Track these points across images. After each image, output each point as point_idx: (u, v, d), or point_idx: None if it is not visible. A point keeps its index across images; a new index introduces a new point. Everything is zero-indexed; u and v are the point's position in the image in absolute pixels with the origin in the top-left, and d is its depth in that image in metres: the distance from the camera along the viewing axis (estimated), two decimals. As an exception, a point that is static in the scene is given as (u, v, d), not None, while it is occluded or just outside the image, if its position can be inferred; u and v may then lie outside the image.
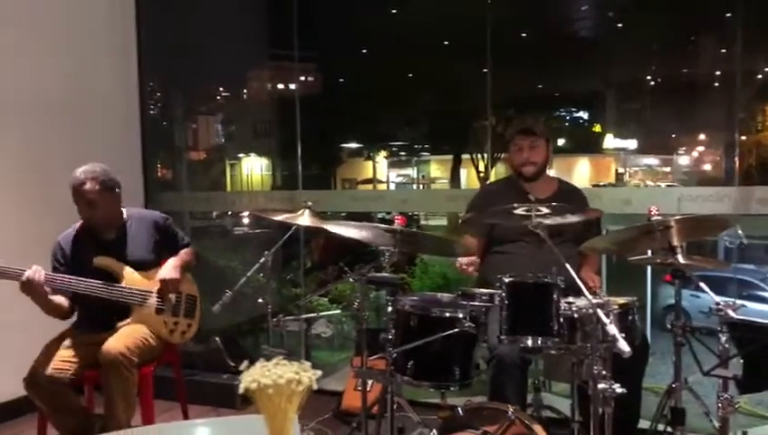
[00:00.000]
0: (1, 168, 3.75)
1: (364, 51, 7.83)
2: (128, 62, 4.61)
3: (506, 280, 2.31)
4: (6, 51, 3.77)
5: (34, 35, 3.94)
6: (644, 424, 2.79)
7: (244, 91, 7.39)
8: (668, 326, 2.72)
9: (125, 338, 2.78)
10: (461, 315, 2.37)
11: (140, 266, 2.98)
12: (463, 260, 2.86)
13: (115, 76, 4.51)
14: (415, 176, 12.48)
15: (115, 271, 2.91)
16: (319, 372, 1.41)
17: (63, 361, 2.75)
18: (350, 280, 2.70)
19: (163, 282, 2.95)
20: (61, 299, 2.81)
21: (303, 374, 1.38)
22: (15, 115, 3.82)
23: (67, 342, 2.84)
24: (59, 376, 2.70)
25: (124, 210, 3.03)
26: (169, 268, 3.00)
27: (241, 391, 1.38)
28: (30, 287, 2.64)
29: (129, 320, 2.90)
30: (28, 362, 2.74)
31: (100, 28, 4.40)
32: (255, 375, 1.36)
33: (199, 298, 3.16)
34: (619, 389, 2.05)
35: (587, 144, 10.36)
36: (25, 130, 3.87)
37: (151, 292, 2.97)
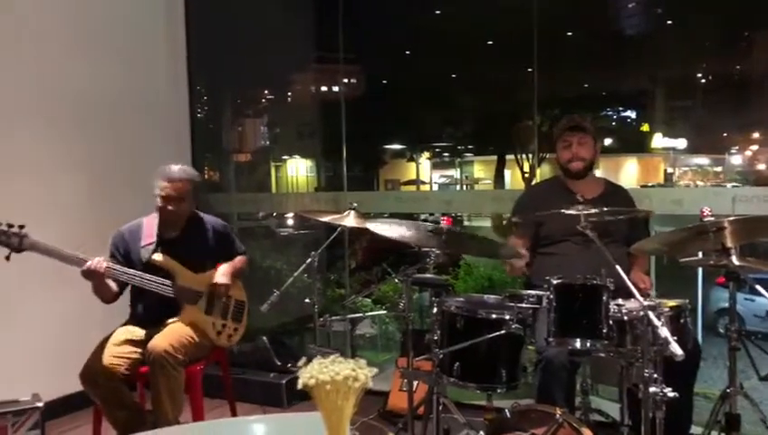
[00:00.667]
0: (64, 164, 3.89)
1: (408, 52, 7.84)
2: (178, 66, 4.71)
3: (554, 282, 2.29)
4: (65, 55, 3.91)
5: (91, 40, 4.07)
6: (696, 430, 2.73)
7: (289, 93, 7.48)
8: (721, 330, 2.65)
9: (171, 336, 2.85)
10: (508, 317, 2.36)
11: (196, 268, 3.05)
12: (516, 261, 2.84)
13: (166, 79, 4.62)
14: (458, 177, 12.43)
15: (171, 269, 2.98)
16: (375, 370, 1.43)
17: (117, 357, 2.83)
18: (396, 281, 2.71)
19: (215, 286, 3.02)
20: (112, 284, 2.89)
21: (360, 372, 1.41)
22: (78, 117, 3.96)
23: (120, 338, 2.92)
24: (112, 372, 2.78)
25: None
26: (222, 274, 3.07)
27: (300, 386, 1.41)
28: (91, 275, 2.74)
29: (177, 318, 2.97)
30: (84, 357, 2.82)
31: (151, 32, 4.52)
32: (313, 372, 1.39)
33: (247, 304, 3.22)
34: (670, 393, 2.01)
35: (635, 144, 10.16)
36: (86, 131, 4.01)
37: (202, 293, 3.03)
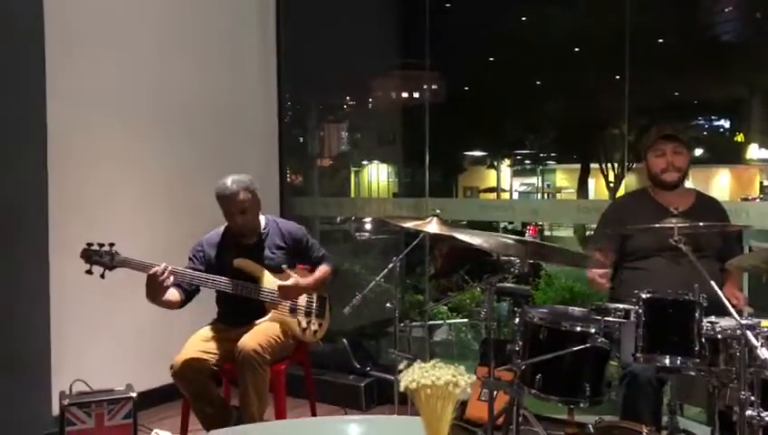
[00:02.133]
0: (152, 172, 4.06)
1: (492, 58, 7.78)
2: (268, 73, 4.85)
3: (644, 296, 2.24)
4: (158, 64, 4.08)
5: (186, 47, 4.23)
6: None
7: (370, 99, 7.56)
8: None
9: (259, 336, 2.94)
10: (593, 330, 2.31)
11: (276, 270, 3.14)
12: (597, 271, 2.79)
13: (257, 88, 4.76)
14: (539, 185, 12.21)
15: (254, 272, 3.09)
16: (474, 377, 1.45)
17: (205, 352, 2.95)
18: (479, 289, 2.70)
19: (282, 289, 3.09)
20: (171, 295, 2.95)
21: (460, 378, 1.43)
22: (165, 123, 4.12)
23: (209, 335, 3.05)
24: (200, 367, 2.90)
25: (262, 218, 3.22)
26: (294, 287, 3.11)
27: (401, 389, 1.44)
28: (154, 280, 2.80)
29: (265, 319, 3.07)
30: (173, 352, 2.95)
31: (245, 41, 4.67)
32: (415, 376, 1.42)
33: (329, 299, 3.28)
34: (768, 417, 1.92)
35: (728, 154, 9.70)
36: (174, 138, 4.16)
37: (277, 294, 3.11)
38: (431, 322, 4.25)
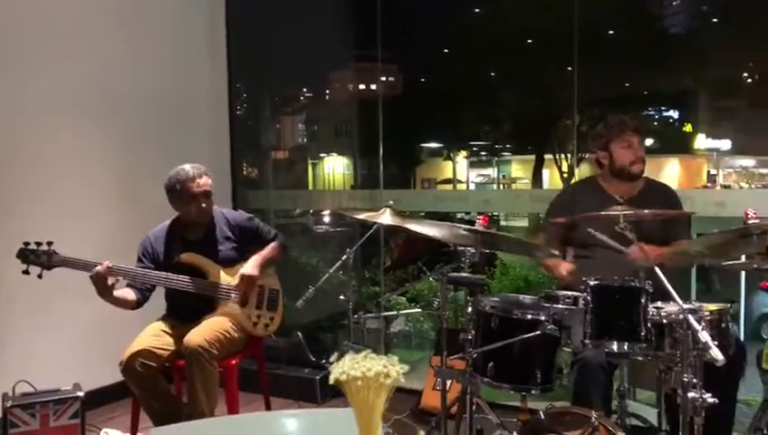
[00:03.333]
0: (96, 167, 3.93)
1: (446, 50, 7.81)
2: (218, 64, 4.76)
3: (592, 283, 2.27)
4: (100, 51, 3.93)
5: (129, 35, 4.09)
6: (737, 437, 2.66)
7: (327, 91, 7.52)
8: (765, 336, 2.58)
9: (206, 331, 2.89)
10: (543, 318, 2.34)
11: (226, 263, 3.09)
12: (565, 267, 2.80)
13: (206, 77, 4.67)
14: (495, 176, 12.34)
15: (202, 267, 3.04)
16: (406, 367, 1.43)
17: (155, 348, 2.88)
18: (432, 279, 2.71)
19: (241, 278, 3.05)
20: (127, 293, 2.91)
21: (391, 368, 1.41)
22: (110, 114, 3.99)
23: (159, 330, 2.99)
24: (150, 363, 2.84)
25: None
26: (250, 266, 3.08)
27: (331, 382, 1.42)
28: (97, 280, 2.73)
29: (214, 313, 3.02)
30: (122, 349, 2.88)
31: (192, 29, 4.56)
32: (345, 367, 1.40)
33: (282, 292, 3.24)
34: (710, 399, 1.97)
35: (677, 144, 9.94)
36: (119, 128, 4.02)
37: (234, 286, 3.07)
38: (387, 313, 4.24)
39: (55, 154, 3.71)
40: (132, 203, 3.96)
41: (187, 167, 3.00)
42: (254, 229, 3.23)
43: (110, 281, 2.76)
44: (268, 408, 3.35)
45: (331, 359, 1.45)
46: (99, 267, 2.72)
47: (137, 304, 2.95)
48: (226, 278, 3.07)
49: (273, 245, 3.22)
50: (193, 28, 4.58)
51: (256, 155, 5.66)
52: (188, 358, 2.81)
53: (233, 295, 3.06)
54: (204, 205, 3.00)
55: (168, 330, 2.99)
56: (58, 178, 3.72)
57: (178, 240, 3.08)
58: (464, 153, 11.67)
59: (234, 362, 2.99)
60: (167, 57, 4.32)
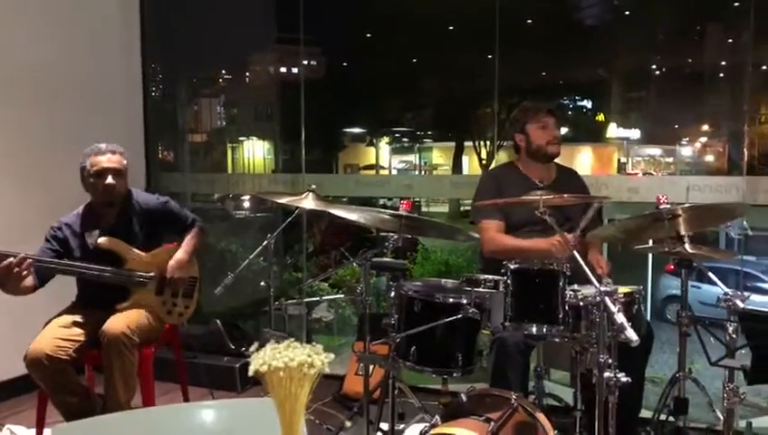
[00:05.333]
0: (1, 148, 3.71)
1: (369, 35, 7.78)
2: (130, 44, 4.56)
3: (512, 266, 2.30)
4: (8, 27, 3.71)
5: (37, 11, 3.87)
6: (645, 413, 2.78)
7: (247, 73, 7.35)
8: (669, 317, 2.71)
9: (126, 318, 2.78)
10: (465, 301, 2.35)
11: (142, 249, 2.97)
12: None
13: (117, 57, 4.46)
14: (417, 162, 12.46)
15: (119, 252, 2.90)
16: (331, 356, 1.38)
17: (64, 339, 2.73)
18: (354, 265, 2.68)
19: (170, 280, 2.95)
20: (27, 280, 2.73)
21: (316, 357, 1.35)
22: (14, 93, 3.76)
23: (68, 320, 2.83)
24: (59, 354, 2.68)
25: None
26: (177, 266, 2.98)
27: (251, 373, 1.35)
28: (8, 272, 2.57)
29: (127, 303, 2.89)
30: (29, 339, 2.72)
31: (103, 8, 4.34)
32: (266, 358, 1.33)
33: (199, 279, 3.15)
34: (623, 378, 2.04)
35: (590, 133, 10.32)
36: (24, 109, 3.80)
37: (152, 274, 2.95)
38: (309, 299, 4.19)
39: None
40: (41, 188, 3.74)
41: (102, 144, 2.88)
42: (171, 213, 3.11)
43: (25, 273, 2.60)
44: (186, 398, 3.26)
45: (251, 349, 1.38)
46: (12, 259, 2.56)
47: (34, 289, 2.79)
48: (145, 264, 2.94)
49: (194, 232, 3.13)
50: (104, 5, 4.35)
51: (173, 137, 5.47)
52: (107, 347, 2.69)
53: (149, 284, 2.94)
54: (111, 182, 2.85)
55: (77, 319, 2.84)
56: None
57: (93, 224, 2.93)
58: (386, 139, 11.71)
59: (150, 351, 2.88)
60: (76, 36, 4.10)
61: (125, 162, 2.91)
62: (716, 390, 2.39)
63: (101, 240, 2.87)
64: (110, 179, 2.86)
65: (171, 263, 2.98)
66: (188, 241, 3.10)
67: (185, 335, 3.34)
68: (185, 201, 4.80)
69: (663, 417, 2.66)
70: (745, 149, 3.59)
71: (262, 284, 3.12)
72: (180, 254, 3.03)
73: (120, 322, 2.74)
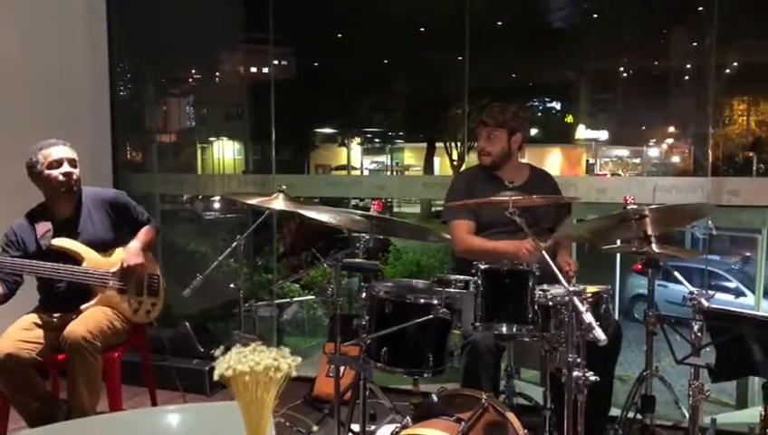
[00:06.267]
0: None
1: (340, 35, 7.75)
2: (96, 42, 4.47)
3: (482, 267, 2.30)
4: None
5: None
6: (614, 411, 2.82)
7: (217, 73, 7.27)
8: (636, 316, 2.74)
9: (88, 322, 2.72)
10: (436, 302, 2.36)
11: (100, 246, 2.91)
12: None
13: (83, 55, 4.37)
14: (388, 163, 12.46)
15: (75, 252, 2.84)
16: (298, 359, 1.36)
17: (27, 342, 2.68)
18: (325, 266, 2.67)
19: (128, 269, 2.90)
20: None
21: (282, 361, 1.33)
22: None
23: (31, 323, 2.78)
24: (22, 358, 2.63)
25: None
26: (132, 253, 2.93)
27: (216, 377, 1.32)
28: None
29: (92, 302, 2.84)
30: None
31: (66, 3, 4.25)
32: (231, 362, 1.31)
33: (161, 276, 3.10)
34: (592, 377, 2.06)
35: (559, 134, 10.43)
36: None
37: (112, 273, 2.90)
38: (279, 300, 4.16)
39: None
40: (2, 191, 3.64)
41: (48, 140, 2.85)
42: (125, 204, 3.05)
43: None
44: (154, 402, 3.21)
45: (216, 353, 1.36)
46: None
47: (4, 299, 2.73)
48: (103, 263, 2.89)
49: (147, 228, 3.07)
50: (69, 2, 4.26)
51: (141, 138, 5.40)
52: (69, 352, 2.64)
53: (111, 282, 2.88)
54: (69, 169, 2.82)
55: (41, 322, 2.78)
56: None
57: (44, 221, 2.87)
58: (358, 140, 11.69)
59: (116, 354, 2.84)
60: (39, 32, 4.00)
61: (75, 155, 2.88)
62: (683, 387, 2.42)
63: (55, 241, 2.82)
64: (67, 167, 2.82)
65: (125, 254, 2.93)
66: (141, 234, 3.03)
67: (153, 338, 3.29)
68: (153, 202, 4.73)
69: (631, 415, 2.70)
70: (710, 151, 3.66)
71: (231, 285, 3.09)
72: (133, 243, 2.98)
73: (82, 326, 2.68)
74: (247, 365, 1.29)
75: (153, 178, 4.93)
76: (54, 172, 2.81)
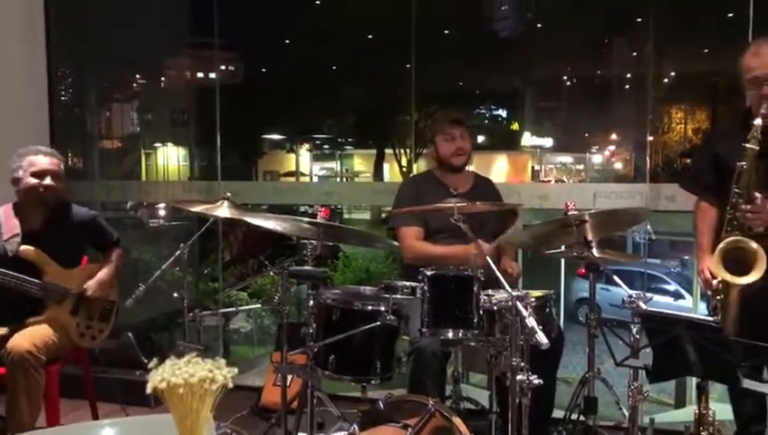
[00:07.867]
0: None
1: (287, 41, 7.72)
2: (33, 44, 4.32)
3: (428, 273, 2.32)
4: None
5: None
6: (558, 413, 2.87)
7: (162, 78, 7.15)
8: (581, 319, 2.80)
9: (33, 336, 2.63)
10: (383, 308, 2.36)
11: (63, 261, 2.83)
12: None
13: (18, 57, 4.22)
14: (338, 169, 12.46)
15: (38, 263, 2.76)
16: (235, 370, 1.34)
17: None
18: (272, 274, 2.65)
19: (88, 299, 2.84)
20: None
21: (217, 373, 1.31)
22: None
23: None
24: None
25: None
26: (101, 284, 2.87)
27: (149, 390, 1.30)
28: None
29: (40, 317, 2.75)
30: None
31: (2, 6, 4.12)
32: (165, 374, 1.28)
33: (117, 303, 3.02)
34: (536, 380, 2.09)
35: (505, 141, 10.62)
36: None
37: (70, 291, 2.82)
38: (225, 309, 4.10)
39: None
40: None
41: (40, 146, 2.86)
42: (99, 228, 3.01)
43: None
44: (95, 415, 3.12)
45: (150, 365, 1.33)
46: None
47: None
48: (62, 278, 2.80)
49: (119, 253, 3.02)
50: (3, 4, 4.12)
51: (82, 143, 5.25)
52: (11, 365, 2.54)
53: (65, 301, 2.80)
54: (50, 183, 2.78)
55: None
56: None
57: (14, 228, 2.78)
58: (307, 146, 11.66)
59: (56, 367, 2.74)
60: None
61: (62, 168, 2.86)
62: (624, 388, 2.48)
63: (22, 249, 2.73)
64: (49, 181, 2.77)
65: (92, 282, 2.86)
66: (112, 263, 2.98)
67: (93, 350, 3.20)
68: (95, 210, 4.61)
69: (574, 416, 2.75)
70: (648, 158, 3.78)
71: (175, 295, 3.03)
72: (103, 274, 2.91)
73: (27, 340, 2.59)
74: (181, 377, 1.27)
75: (95, 185, 4.80)
76: (34, 182, 2.76)
